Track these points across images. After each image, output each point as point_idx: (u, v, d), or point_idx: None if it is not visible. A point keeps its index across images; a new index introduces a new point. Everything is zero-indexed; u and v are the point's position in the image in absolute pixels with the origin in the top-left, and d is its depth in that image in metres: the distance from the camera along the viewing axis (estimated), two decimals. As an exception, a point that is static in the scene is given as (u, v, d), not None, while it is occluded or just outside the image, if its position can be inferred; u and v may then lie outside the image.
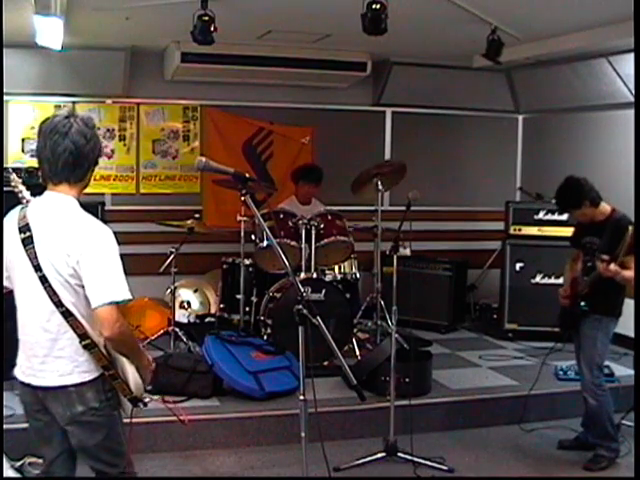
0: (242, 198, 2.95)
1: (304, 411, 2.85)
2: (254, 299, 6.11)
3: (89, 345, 2.57)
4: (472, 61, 6.84)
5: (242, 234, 5.99)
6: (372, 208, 6.12)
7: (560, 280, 5.26)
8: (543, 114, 7.99)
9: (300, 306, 2.79)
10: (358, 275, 6.44)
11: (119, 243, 2.58)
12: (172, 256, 5.72)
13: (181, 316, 6.50)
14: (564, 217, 6.54)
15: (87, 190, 2.75)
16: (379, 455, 4.38)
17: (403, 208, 4.49)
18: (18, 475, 3.92)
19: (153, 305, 6.50)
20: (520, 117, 8.26)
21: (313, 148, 7.51)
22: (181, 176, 7.28)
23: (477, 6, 5.06)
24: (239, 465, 4.43)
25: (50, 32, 5.10)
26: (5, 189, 3.18)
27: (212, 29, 4.88)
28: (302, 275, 5.69)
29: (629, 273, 4.10)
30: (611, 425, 4.43)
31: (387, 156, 7.84)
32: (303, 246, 5.74)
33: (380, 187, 5.73)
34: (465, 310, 7.46)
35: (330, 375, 5.08)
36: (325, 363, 5.33)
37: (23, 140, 6.78)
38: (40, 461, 3.84)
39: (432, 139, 7.94)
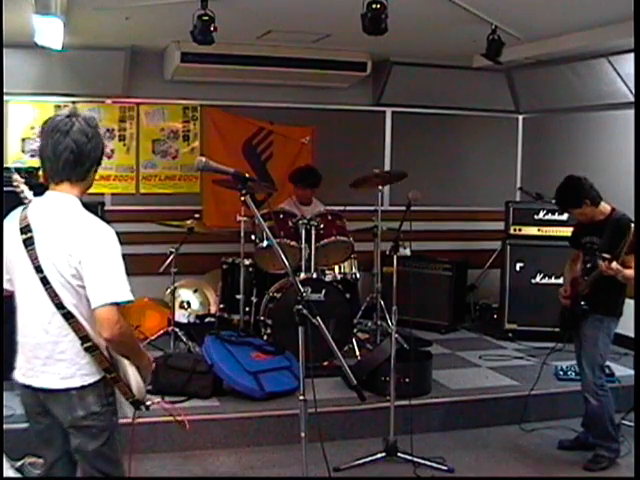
0: (242, 198, 2.95)
1: (304, 411, 2.85)
2: (254, 299, 6.10)
3: (90, 348, 2.55)
4: (472, 61, 6.84)
5: (242, 234, 5.99)
6: (372, 208, 6.12)
7: (560, 280, 5.26)
8: (543, 114, 7.99)
9: (300, 306, 2.79)
10: (358, 275, 6.44)
11: (120, 243, 2.57)
12: (172, 256, 5.72)
13: (181, 316, 6.50)
14: (564, 217, 6.54)
15: (87, 190, 2.75)
16: (379, 455, 4.38)
17: (403, 208, 4.49)
18: (18, 475, 3.92)
19: (153, 305, 6.50)
20: (520, 117, 8.26)
21: (313, 148, 7.51)
22: (181, 176, 7.28)
23: (477, 6, 5.06)
24: (239, 465, 4.43)
25: (50, 32, 5.10)
26: (5, 189, 3.17)
27: (212, 29, 4.88)
28: (302, 275, 5.69)
29: (630, 272, 4.10)
30: (612, 425, 4.42)
31: (387, 156, 7.84)
32: (303, 246, 5.74)
33: (380, 188, 5.76)
34: (465, 310, 7.47)
35: (330, 375, 5.07)
36: (325, 363, 5.32)
37: (23, 140, 6.78)
38: (40, 461, 3.85)
39: (432, 139, 7.94)
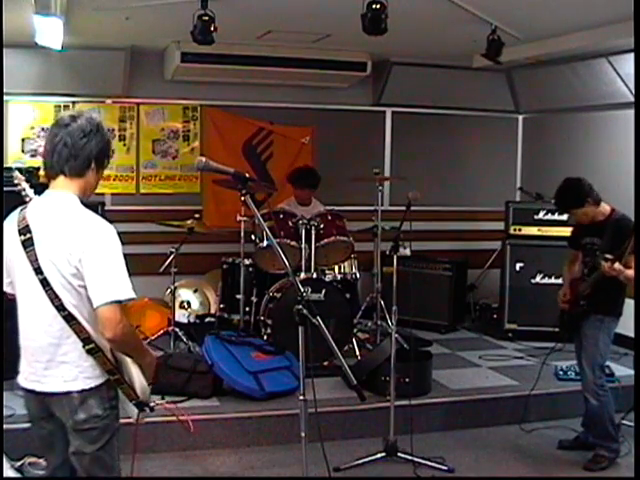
0: (242, 198, 2.95)
1: (304, 411, 2.85)
2: (254, 299, 6.10)
3: (93, 349, 2.52)
4: (472, 61, 6.84)
5: (242, 234, 5.99)
6: (372, 208, 6.13)
7: (560, 280, 5.26)
8: (543, 114, 7.99)
9: (300, 306, 2.79)
10: (358, 275, 6.44)
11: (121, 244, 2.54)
12: (172, 256, 5.72)
13: (181, 316, 6.50)
14: (564, 217, 6.53)
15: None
16: (379, 455, 4.38)
17: (403, 208, 4.49)
18: (18, 475, 3.92)
19: (153, 305, 6.50)
20: (520, 117, 8.26)
21: (313, 148, 7.51)
22: (181, 176, 7.28)
23: (477, 6, 5.06)
24: (239, 465, 4.43)
25: (50, 32, 5.10)
26: (6, 189, 3.17)
27: (212, 29, 4.88)
28: (302, 275, 5.69)
29: (632, 272, 4.10)
30: (612, 425, 4.42)
31: (387, 156, 7.84)
32: (303, 246, 5.74)
33: (380, 188, 5.77)
34: (465, 310, 7.47)
35: (330, 375, 5.07)
36: (325, 363, 5.32)
37: (23, 140, 6.79)
38: (40, 461, 3.86)
39: (432, 139, 7.94)
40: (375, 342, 6.03)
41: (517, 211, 6.84)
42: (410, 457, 4.31)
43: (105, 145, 2.63)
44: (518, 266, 6.73)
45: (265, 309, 5.77)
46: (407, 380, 4.78)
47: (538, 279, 6.64)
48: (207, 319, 6.49)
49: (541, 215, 6.72)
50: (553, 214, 6.63)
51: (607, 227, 4.30)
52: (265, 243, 5.63)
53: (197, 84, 7.09)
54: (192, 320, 6.55)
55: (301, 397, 2.87)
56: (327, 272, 6.21)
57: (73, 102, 6.87)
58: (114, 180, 7.00)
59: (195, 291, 6.85)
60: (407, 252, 5.29)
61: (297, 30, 5.95)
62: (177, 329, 5.82)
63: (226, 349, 5.11)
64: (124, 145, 7.07)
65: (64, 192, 2.57)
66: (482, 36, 5.49)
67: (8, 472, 3.83)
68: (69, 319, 2.49)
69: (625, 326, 4.69)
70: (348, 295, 6.00)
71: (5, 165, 6.36)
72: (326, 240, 5.80)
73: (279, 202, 6.47)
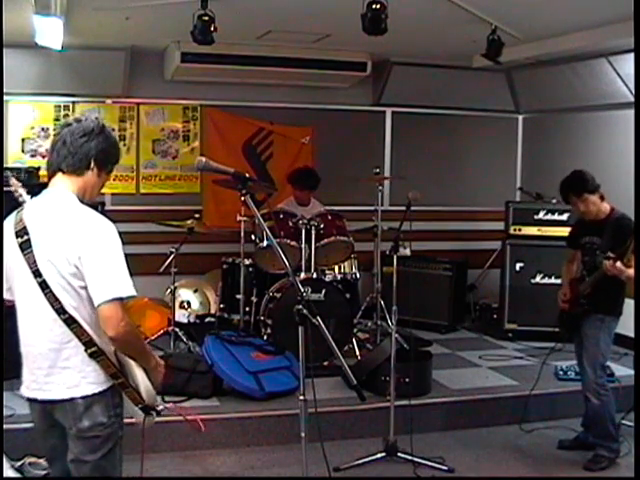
0: (242, 198, 2.94)
1: (304, 411, 2.85)
2: (254, 299, 6.11)
3: (95, 353, 2.46)
4: (472, 61, 6.84)
5: (242, 234, 5.99)
6: (372, 208, 6.13)
7: (560, 280, 5.26)
8: (543, 114, 7.99)
9: (300, 306, 2.79)
10: (358, 275, 6.44)
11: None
12: (172, 256, 5.72)
13: (181, 316, 6.49)
14: (564, 217, 6.56)
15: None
16: (379, 455, 4.38)
17: (403, 208, 4.49)
18: (18, 475, 3.91)
19: (153, 305, 6.50)
20: (520, 117, 8.27)
21: (313, 148, 7.51)
22: (181, 176, 7.28)
23: (477, 6, 5.06)
24: (239, 465, 4.43)
25: (50, 32, 5.10)
26: (6, 189, 3.16)
27: (212, 29, 4.88)
28: (302, 275, 5.69)
29: (633, 271, 4.10)
30: (612, 425, 4.42)
31: (387, 156, 7.85)
32: (303, 246, 5.74)
33: (380, 188, 5.77)
34: (465, 310, 7.47)
35: (330, 375, 5.07)
36: (325, 363, 5.32)
37: (23, 140, 6.79)
38: (40, 461, 3.86)
39: (432, 139, 7.94)
40: (375, 342, 6.03)
41: (517, 211, 6.84)
42: (410, 457, 4.31)
43: (108, 147, 2.60)
44: (518, 266, 6.73)
45: (265, 309, 5.77)
46: (407, 380, 4.77)
47: (538, 279, 6.65)
48: (207, 319, 6.49)
49: (541, 215, 6.72)
50: (553, 214, 6.64)
51: (607, 226, 4.30)
52: (265, 243, 5.63)
53: (197, 84, 7.09)
54: (192, 320, 6.55)
55: (301, 397, 2.87)
56: (327, 272, 6.21)
57: (73, 102, 6.87)
58: (114, 180, 6.99)
59: (195, 291, 6.85)
60: (407, 252, 5.30)
61: (297, 30, 5.95)
62: (177, 329, 5.82)
63: (226, 349, 5.11)
64: (124, 145, 7.06)
65: (61, 191, 2.54)
66: (482, 36, 5.49)
67: (8, 472, 3.83)
68: (70, 322, 2.44)
69: (625, 326, 4.69)
70: (348, 295, 6.00)
71: (5, 165, 6.36)
72: (326, 240, 5.80)
73: (279, 202, 6.47)
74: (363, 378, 4.84)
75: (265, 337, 5.62)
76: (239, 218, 5.96)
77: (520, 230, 6.79)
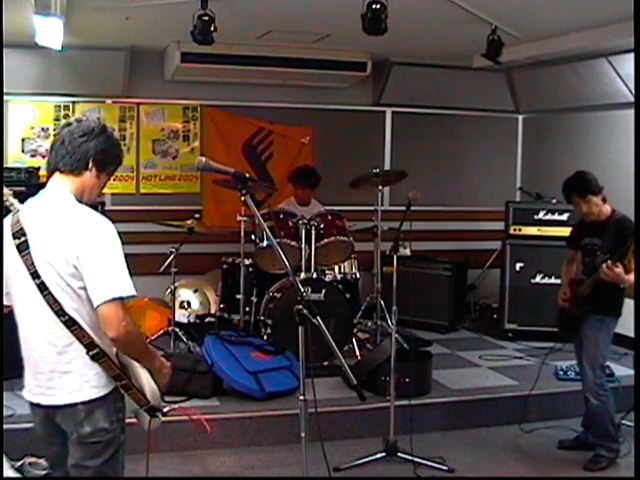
0: (242, 198, 2.94)
1: (304, 411, 2.85)
2: (254, 299, 6.10)
3: (97, 355, 2.42)
4: (472, 61, 6.84)
5: (242, 234, 5.99)
6: (372, 208, 6.13)
7: (560, 280, 5.26)
8: (543, 114, 7.99)
9: (300, 306, 2.78)
10: (358, 275, 6.45)
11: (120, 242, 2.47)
12: (172, 256, 5.72)
13: (181, 316, 6.50)
14: (564, 217, 6.56)
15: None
16: (379, 455, 4.38)
17: (403, 208, 4.49)
18: (18, 475, 3.91)
19: (153, 305, 6.50)
20: (520, 117, 8.26)
21: (313, 148, 7.51)
22: (181, 176, 7.28)
23: (477, 6, 5.06)
24: (239, 465, 4.43)
25: (50, 32, 5.10)
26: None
27: (212, 29, 4.88)
28: (302, 275, 5.69)
29: (632, 277, 4.09)
30: (612, 425, 4.42)
31: (387, 156, 7.85)
32: (303, 246, 5.74)
33: (380, 187, 5.77)
34: (465, 310, 7.47)
35: (330, 375, 5.07)
36: (325, 363, 5.32)
37: (23, 140, 6.79)
38: (40, 461, 3.86)
39: (432, 139, 7.94)
40: (375, 342, 6.03)
41: (517, 211, 6.84)
42: (410, 457, 4.31)
43: (108, 148, 2.56)
44: (518, 266, 6.73)
45: (265, 309, 5.77)
46: (407, 380, 4.78)
47: (538, 279, 6.64)
48: (207, 319, 6.49)
49: (541, 215, 6.71)
50: (553, 214, 6.64)
51: (608, 228, 4.30)
52: (265, 243, 5.63)
53: (197, 84, 7.09)
54: (192, 320, 6.55)
55: (301, 397, 2.87)
56: (327, 272, 6.21)
57: (73, 102, 6.87)
58: (114, 180, 6.97)
59: (195, 291, 6.85)
60: (407, 252, 5.29)
61: (297, 30, 5.95)
62: (177, 329, 5.82)
63: (226, 349, 5.11)
64: (124, 145, 7.06)
65: (59, 191, 2.50)
66: (482, 36, 5.49)
67: (8, 472, 3.83)
68: (70, 324, 2.40)
69: (625, 326, 4.69)
70: (348, 295, 6.00)
71: (5, 165, 6.36)
72: (326, 240, 5.80)
73: (279, 202, 6.47)
74: (363, 378, 4.84)
75: (265, 337, 5.62)
76: (239, 218, 5.96)
77: (520, 230, 6.79)
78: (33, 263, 2.40)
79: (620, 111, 6.61)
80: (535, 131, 8.10)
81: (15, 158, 6.70)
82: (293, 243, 5.75)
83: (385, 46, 6.33)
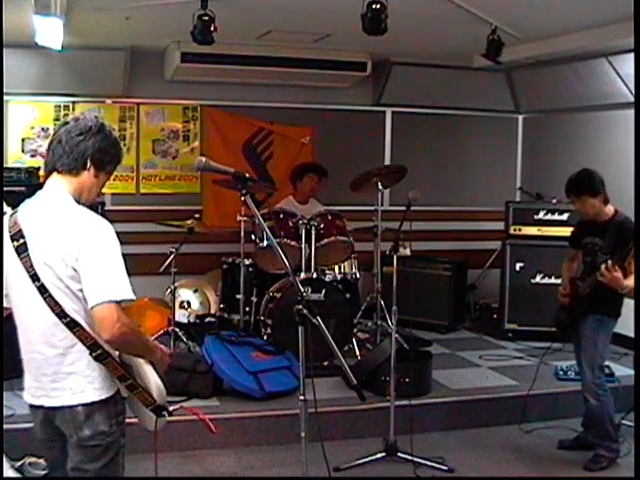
0: (242, 198, 2.93)
1: (304, 411, 2.85)
2: (254, 299, 6.10)
3: (101, 356, 2.39)
4: (472, 61, 6.84)
5: (242, 234, 5.99)
6: (372, 208, 6.12)
7: (560, 280, 5.26)
8: (543, 114, 7.99)
9: (300, 306, 2.78)
10: (358, 275, 6.44)
11: (119, 243, 2.43)
12: (172, 256, 5.71)
13: (181, 316, 6.49)
14: (564, 217, 6.56)
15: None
16: (379, 455, 4.38)
17: (403, 208, 4.49)
18: (18, 475, 3.91)
19: (153, 305, 6.50)
20: (520, 117, 8.26)
21: (313, 148, 7.51)
22: (181, 176, 7.28)
23: (477, 6, 5.06)
24: (239, 465, 4.43)
25: (50, 32, 5.10)
26: (6, 189, 3.15)
27: (212, 29, 4.88)
28: (302, 275, 5.69)
29: (631, 281, 4.08)
30: (611, 425, 4.42)
31: (387, 156, 7.85)
32: (303, 246, 5.74)
33: (380, 187, 5.76)
34: (465, 310, 7.47)
35: (330, 375, 5.07)
36: (325, 363, 5.32)
37: (23, 140, 6.78)
38: (40, 461, 3.86)
39: (432, 139, 7.94)
40: (375, 342, 6.02)
41: (517, 211, 6.84)
42: (410, 457, 4.31)
43: (106, 146, 2.51)
44: (518, 266, 6.73)
45: (265, 309, 5.77)
46: (407, 380, 4.77)
47: (538, 279, 6.64)
48: (207, 319, 6.49)
49: (541, 215, 6.71)
50: (553, 214, 6.64)
51: (609, 228, 4.29)
52: (265, 243, 5.63)
53: (197, 84, 7.09)
54: (192, 320, 6.55)
55: (301, 397, 2.86)
56: (327, 272, 6.21)
57: (73, 102, 6.87)
58: (114, 180, 6.98)
59: (195, 291, 6.84)
60: (407, 252, 5.29)
61: (297, 30, 5.95)
62: (177, 329, 5.82)
63: (226, 349, 5.11)
64: (124, 145, 7.06)
65: (57, 191, 2.46)
66: (482, 36, 5.49)
67: (8, 472, 3.83)
68: (72, 326, 2.37)
69: (625, 326, 4.68)
70: (348, 295, 6.00)
71: (5, 165, 6.37)
72: (326, 240, 5.80)
73: (279, 202, 6.46)
74: (363, 378, 4.84)
75: (265, 337, 5.62)
76: (239, 218, 5.96)
77: (520, 230, 6.79)
78: (32, 265, 2.37)
79: (620, 111, 6.61)
80: (535, 131, 8.10)
81: (15, 158, 6.69)
82: (293, 243, 5.75)
83: (385, 46, 6.33)
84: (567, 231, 4.87)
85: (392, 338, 4.45)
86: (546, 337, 5.87)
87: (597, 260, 4.26)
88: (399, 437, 4.40)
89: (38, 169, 6.01)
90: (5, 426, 3.75)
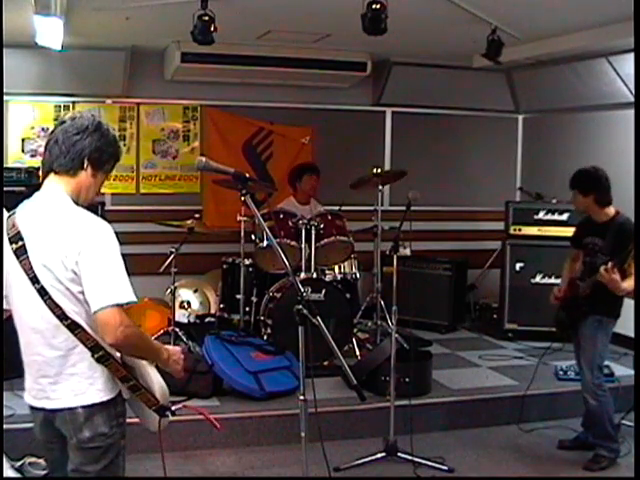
0: (242, 198, 2.92)
1: (304, 411, 2.85)
2: (254, 299, 6.10)
3: (103, 357, 2.36)
4: (472, 61, 6.84)
5: (242, 234, 5.99)
6: (372, 208, 6.13)
7: (559, 280, 5.26)
8: (543, 114, 7.99)
9: (300, 306, 2.78)
10: (358, 275, 6.44)
11: (119, 243, 2.40)
12: (172, 256, 5.71)
13: (181, 316, 6.49)
14: (564, 217, 6.56)
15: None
16: (379, 455, 4.38)
17: (403, 208, 4.49)
18: (18, 475, 3.91)
19: (153, 305, 6.49)
20: (520, 117, 8.26)
21: (313, 148, 7.51)
22: (181, 176, 7.28)
23: (477, 6, 5.06)
24: (239, 465, 4.43)
25: (50, 32, 5.10)
26: (6, 189, 3.14)
27: (212, 29, 4.88)
28: (302, 275, 5.69)
29: (630, 283, 4.08)
30: (611, 425, 4.42)
31: (387, 156, 7.85)
32: (303, 246, 5.74)
33: (380, 187, 5.77)
34: (465, 310, 7.47)
35: (330, 375, 5.07)
36: (325, 363, 5.33)
37: (23, 140, 6.79)
38: (40, 461, 3.86)
39: (432, 139, 7.94)
40: (375, 342, 6.03)
41: (517, 211, 6.84)
42: (410, 457, 4.31)
43: (104, 145, 2.46)
44: (518, 266, 6.73)
45: (265, 309, 5.77)
46: (407, 380, 4.78)
47: (538, 279, 6.64)
48: (207, 319, 6.49)
49: (541, 215, 6.71)
50: (553, 214, 6.64)
51: (610, 229, 4.30)
52: (265, 243, 5.64)
53: (197, 84, 7.09)
54: (192, 320, 6.55)
55: (301, 397, 2.86)
56: (327, 272, 6.21)
57: (73, 102, 6.87)
58: (114, 180, 6.99)
59: (195, 291, 6.84)
60: (407, 252, 5.30)
61: (297, 30, 5.95)
62: (177, 329, 5.82)
63: (226, 349, 5.11)
64: (124, 145, 7.06)
65: (54, 192, 2.42)
66: (482, 36, 5.49)
67: (8, 472, 3.82)
68: (73, 328, 2.34)
69: (625, 326, 4.68)
70: (348, 295, 6.00)
71: (5, 165, 6.37)
72: (326, 240, 5.80)
73: (279, 202, 6.46)
74: (363, 378, 4.84)
75: (265, 337, 5.62)
76: (239, 218, 5.96)
77: (520, 230, 6.79)
78: (32, 268, 2.34)
79: (620, 111, 6.61)
80: (535, 131, 8.10)
81: (15, 158, 6.69)
82: (293, 243, 5.75)
83: (385, 46, 6.33)
84: (567, 231, 4.88)
85: (392, 338, 4.45)
86: (546, 337, 5.87)
87: (597, 261, 4.26)
88: (399, 437, 4.40)
89: (38, 169, 5.99)
90: (5, 426, 3.75)
